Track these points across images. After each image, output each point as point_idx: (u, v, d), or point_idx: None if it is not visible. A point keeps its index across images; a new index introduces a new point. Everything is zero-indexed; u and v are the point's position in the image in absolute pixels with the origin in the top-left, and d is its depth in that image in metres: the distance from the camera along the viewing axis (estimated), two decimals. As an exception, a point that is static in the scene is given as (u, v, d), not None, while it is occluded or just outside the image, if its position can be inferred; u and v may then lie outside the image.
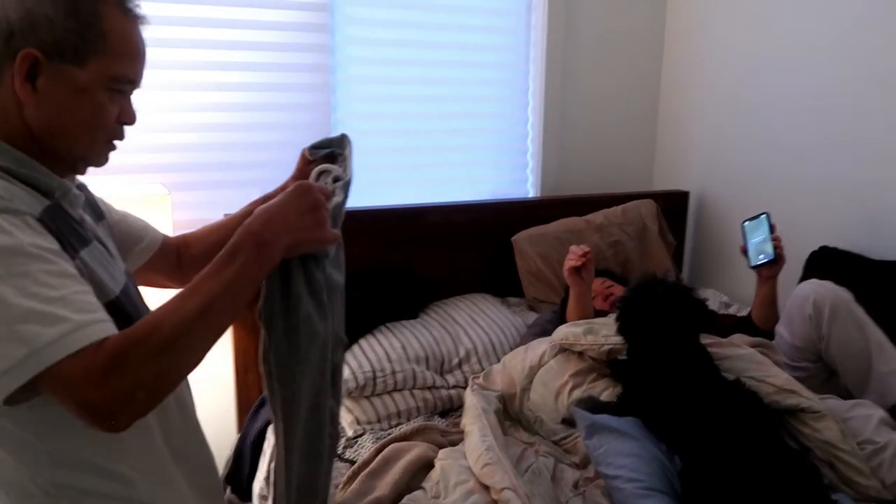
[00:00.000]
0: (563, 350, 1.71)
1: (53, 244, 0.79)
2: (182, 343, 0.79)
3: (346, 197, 1.05)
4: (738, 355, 1.57)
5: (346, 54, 2.27)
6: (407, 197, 2.41)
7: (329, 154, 1.15)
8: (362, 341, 1.92)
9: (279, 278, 0.93)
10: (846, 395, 1.67)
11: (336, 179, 1.05)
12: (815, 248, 2.16)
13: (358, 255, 2.19)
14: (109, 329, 0.78)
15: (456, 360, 1.97)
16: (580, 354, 1.69)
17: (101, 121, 0.88)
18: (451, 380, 1.94)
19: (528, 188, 2.67)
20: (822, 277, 1.82)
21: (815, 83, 2.21)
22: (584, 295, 1.86)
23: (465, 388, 1.89)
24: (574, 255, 1.83)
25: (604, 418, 1.46)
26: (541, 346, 1.75)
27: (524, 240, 2.35)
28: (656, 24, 2.75)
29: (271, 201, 0.90)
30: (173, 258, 1.18)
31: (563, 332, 1.71)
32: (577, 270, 1.83)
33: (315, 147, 1.17)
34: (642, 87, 2.79)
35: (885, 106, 2.01)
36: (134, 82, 0.91)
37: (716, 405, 1.37)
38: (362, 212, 2.22)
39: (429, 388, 1.89)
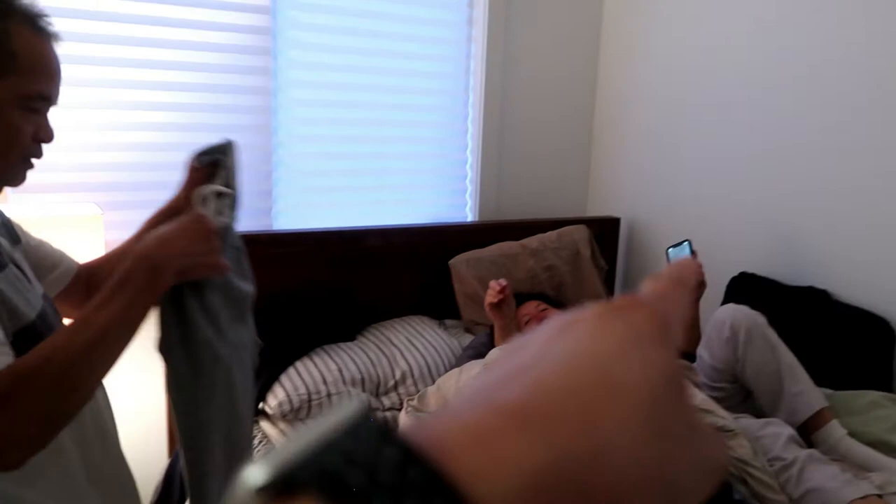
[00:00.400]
0: None
1: None
2: (74, 376, 0.78)
3: (233, 215, 1.05)
4: None
5: (288, 78, 2.29)
6: (347, 219, 2.43)
7: (214, 161, 1.11)
8: (298, 364, 1.93)
9: (172, 307, 0.93)
10: (760, 414, 1.77)
11: (220, 195, 1.04)
12: (736, 273, 2.28)
13: (297, 277, 2.22)
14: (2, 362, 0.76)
15: (392, 382, 2.00)
16: None
17: (14, 140, 0.87)
18: (386, 402, 1.96)
19: (466, 212, 2.73)
20: (739, 302, 1.93)
21: (735, 118, 2.35)
22: (507, 327, 1.92)
23: (400, 410, 1.92)
24: (493, 291, 1.89)
25: None
26: (474, 367, 1.79)
27: (461, 263, 2.40)
28: (591, 53, 2.87)
29: (163, 226, 0.90)
30: (83, 287, 1.16)
31: (495, 354, 1.76)
32: (496, 305, 1.89)
33: (202, 154, 1.13)
34: (577, 118, 2.90)
35: (799, 137, 2.15)
36: (49, 99, 0.90)
37: None
38: (302, 234, 2.23)
39: (364, 411, 1.90)
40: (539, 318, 2.18)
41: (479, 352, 2.03)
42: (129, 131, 2.05)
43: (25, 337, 0.82)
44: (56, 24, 0.92)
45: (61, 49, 0.91)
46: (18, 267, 0.93)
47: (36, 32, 0.87)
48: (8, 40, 0.83)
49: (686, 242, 2.01)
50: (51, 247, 1.12)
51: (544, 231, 2.59)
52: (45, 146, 0.92)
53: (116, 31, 1.99)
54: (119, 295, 0.83)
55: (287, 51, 2.28)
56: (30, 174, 0.93)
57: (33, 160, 0.92)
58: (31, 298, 0.91)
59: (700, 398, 1.57)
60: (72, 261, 1.14)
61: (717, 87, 2.41)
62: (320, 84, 2.36)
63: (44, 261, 1.08)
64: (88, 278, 1.15)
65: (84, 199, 1.98)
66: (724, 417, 1.52)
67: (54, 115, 0.93)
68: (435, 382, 1.87)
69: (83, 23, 1.93)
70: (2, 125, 0.85)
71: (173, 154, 2.13)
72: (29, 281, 0.95)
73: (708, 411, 1.52)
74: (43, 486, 0.88)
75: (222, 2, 2.13)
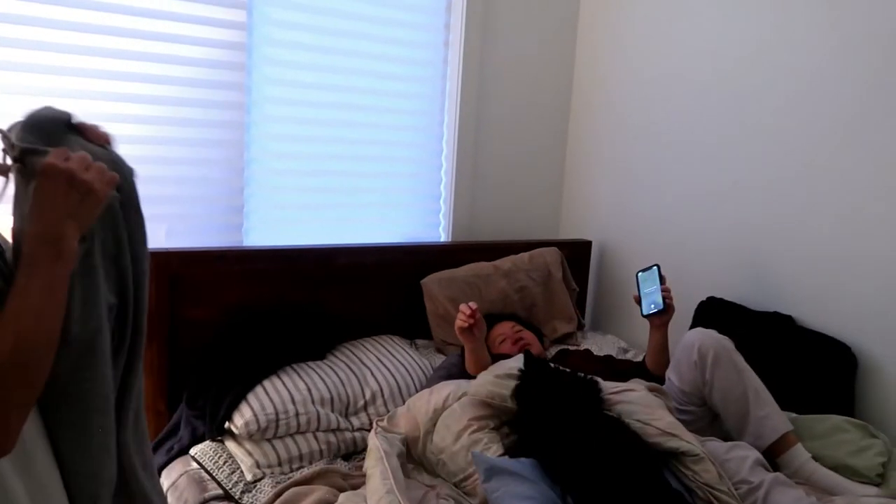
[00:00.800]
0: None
1: None
2: (22, 362, 0.80)
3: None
4: (629, 399, 1.65)
5: (263, 94, 2.28)
6: (319, 237, 2.41)
7: None
8: (266, 382, 1.89)
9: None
10: (727, 437, 1.79)
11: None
12: (704, 297, 2.32)
13: (267, 294, 2.19)
14: None
15: (361, 402, 1.97)
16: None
17: None
18: (355, 422, 1.93)
19: (439, 232, 2.74)
20: (707, 326, 1.95)
21: (705, 146, 2.40)
22: (478, 350, 1.91)
23: (369, 430, 1.89)
24: (463, 315, 1.88)
25: (502, 461, 1.50)
26: (445, 388, 1.78)
27: (433, 283, 2.40)
28: (565, 80, 2.92)
29: (33, 201, 0.86)
30: None
31: (485, 388, 1.69)
32: (467, 329, 1.88)
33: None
34: (551, 140, 2.94)
35: (768, 166, 2.20)
36: None
37: (604, 449, 1.44)
38: (273, 251, 2.21)
39: (333, 431, 1.87)
40: (514, 339, 2.18)
41: (449, 372, 2.02)
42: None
43: None
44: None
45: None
46: None
47: None
48: None
49: (655, 267, 2.03)
50: None
51: (516, 252, 2.60)
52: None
53: (86, 41, 1.96)
54: (31, 282, 0.83)
55: (262, 67, 2.27)
56: None
57: None
58: None
59: (667, 421, 1.57)
60: None
61: (689, 115, 2.46)
62: (294, 101, 2.35)
63: None
64: None
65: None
66: (689, 442, 1.52)
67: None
68: (405, 403, 1.85)
69: (50, 32, 1.90)
70: None
71: (144, 167, 2.09)
72: None
73: (673, 435, 1.53)
74: None
75: (198, 17, 2.12)
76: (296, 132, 2.37)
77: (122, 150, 1.98)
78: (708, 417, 1.87)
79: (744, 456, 1.57)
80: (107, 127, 2.03)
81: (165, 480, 1.76)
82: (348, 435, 1.89)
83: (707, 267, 2.41)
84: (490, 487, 1.46)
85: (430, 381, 2.04)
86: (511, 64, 2.76)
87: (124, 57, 2.02)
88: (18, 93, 1.83)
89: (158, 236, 2.14)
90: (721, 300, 2.29)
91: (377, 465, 1.56)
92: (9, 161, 0.91)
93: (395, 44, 2.52)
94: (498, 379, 1.68)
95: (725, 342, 1.84)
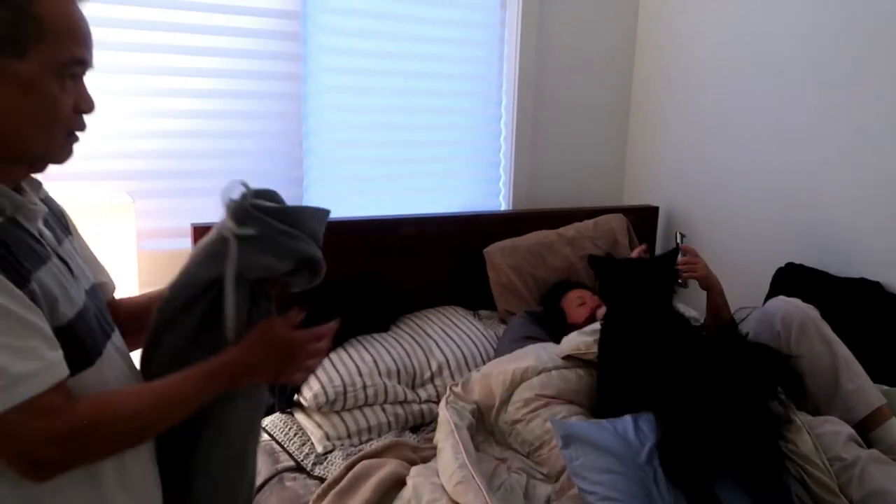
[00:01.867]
0: (567, 360, 1.75)
1: (7, 282, 0.75)
2: (141, 433, 0.89)
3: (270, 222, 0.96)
4: None
5: (319, 63, 2.24)
6: (378, 208, 2.38)
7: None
8: (332, 355, 1.89)
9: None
10: (812, 412, 1.70)
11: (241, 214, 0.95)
12: (782, 264, 2.20)
13: (329, 266, 2.16)
14: (61, 372, 0.78)
15: (428, 374, 1.95)
16: (567, 373, 1.71)
17: (55, 113, 0.82)
18: (422, 394, 1.91)
19: (500, 201, 2.67)
20: (788, 294, 1.85)
21: (781, 101, 2.25)
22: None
23: (436, 402, 1.87)
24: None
25: (582, 427, 1.46)
26: (525, 359, 1.75)
27: (496, 252, 2.35)
28: (627, 41, 2.79)
29: (246, 345, 0.96)
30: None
31: (574, 341, 1.74)
32: None
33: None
34: (613, 103, 2.82)
35: (846, 125, 2.06)
36: (84, 63, 0.84)
37: (699, 366, 1.41)
38: (333, 222, 2.17)
39: (400, 403, 1.86)
40: (593, 305, 2.09)
41: (518, 334, 2.01)
42: (160, 118, 2.02)
43: (61, 337, 0.79)
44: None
45: (88, 11, 0.85)
46: (63, 260, 0.89)
47: None
48: (30, 6, 0.77)
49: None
50: (94, 256, 1.07)
51: (580, 220, 2.52)
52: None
53: (147, 16, 1.95)
54: (206, 383, 0.92)
55: (317, 36, 2.23)
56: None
57: (77, 133, 0.87)
58: (72, 294, 0.86)
59: None
60: (112, 281, 1.10)
61: (761, 70, 2.31)
62: (351, 70, 2.31)
63: (89, 264, 1.03)
64: (114, 309, 1.07)
65: (115, 188, 1.96)
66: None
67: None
68: (480, 369, 1.82)
69: (111, 7, 1.90)
70: (40, 99, 0.80)
71: (205, 142, 2.09)
72: (74, 276, 0.90)
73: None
74: (70, 491, 0.84)
75: (253, -15, 2.08)
76: (353, 102, 2.33)
77: (181, 124, 1.94)
78: (792, 391, 1.78)
79: (836, 431, 1.49)
80: (167, 103, 2.01)
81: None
82: (416, 407, 1.87)
83: (784, 231, 2.28)
84: (569, 455, 1.41)
85: (500, 347, 2.02)
86: (572, 22, 2.64)
87: (180, 30, 2.00)
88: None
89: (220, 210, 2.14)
90: (801, 266, 2.16)
91: (448, 438, 1.53)
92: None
93: (452, 6, 2.43)
94: (583, 335, 1.71)
95: (810, 310, 1.74)
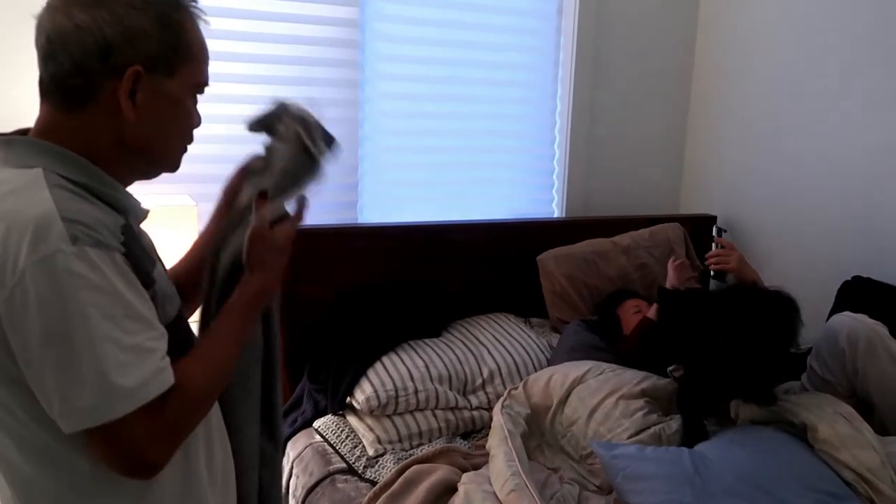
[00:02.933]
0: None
1: (135, 281, 0.80)
2: (214, 393, 0.92)
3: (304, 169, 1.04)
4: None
5: (375, 70, 2.27)
6: (432, 213, 2.39)
7: (267, 123, 1.13)
8: (385, 359, 1.90)
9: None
10: (881, 431, 1.63)
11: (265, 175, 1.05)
12: (848, 277, 2.11)
13: (381, 270, 2.20)
14: (169, 379, 0.81)
15: (479, 381, 1.95)
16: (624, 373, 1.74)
17: (189, 128, 0.92)
18: (474, 401, 1.91)
19: (553, 208, 2.65)
20: (852, 309, 1.77)
21: (846, 107, 2.17)
22: None
23: (487, 409, 1.87)
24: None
25: (620, 447, 1.45)
26: (584, 364, 1.75)
27: (549, 260, 2.33)
28: (686, 46, 2.73)
29: (255, 262, 0.96)
30: None
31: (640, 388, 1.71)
32: None
33: (253, 124, 1.14)
34: (671, 109, 2.77)
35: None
36: (207, 84, 0.94)
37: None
38: (387, 227, 2.21)
39: (451, 409, 1.86)
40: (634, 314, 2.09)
41: (578, 343, 2.01)
42: (221, 124, 2.07)
43: (172, 329, 0.86)
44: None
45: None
46: (160, 260, 0.97)
47: (196, 20, 0.89)
48: (182, 31, 0.85)
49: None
50: None
51: (635, 228, 2.48)
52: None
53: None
54: (244, 314, 0.96)
55: (374, 43, 2.26)
56: None
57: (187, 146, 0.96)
58: (172, 290, 0.94)
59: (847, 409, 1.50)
60: None
61: (826, 72, 2.23)
62: (406, 77, 2.33)
63: None
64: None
65: (178, 191, 2.02)
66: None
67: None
68: (545, 371, 1.83)
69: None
70: (184, 113, 0.90)
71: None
72: (166, 272, 0.99)
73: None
74: (168, 491, 0.88)
75: (313, -6, 2.12)
76: (408, 109, 2.35)
77: (242, 130, 1.98)
78: (858, 412, 1.71)
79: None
80: (229, 108, 2.06)
81: (291, 451, 1.81)
82: (467, 414, 1.87)
83: (850, 242, 2.19)
84: (612, 472, 1.41)
85: (556, 356, 2.01)
86: (629, 25, 2.61)
87: (242, 39, 2.06)
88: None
89: (278, 214, 2.18)
90: (868, 280, 2.08)
91: (501, 445, 1.53)
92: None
93: (507, 13, 2.43)
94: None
95: (879, 328, 1.67)
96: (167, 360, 0.81)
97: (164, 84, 0.84)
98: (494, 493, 1.41)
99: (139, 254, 0.84)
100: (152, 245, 0.97)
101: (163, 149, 0.90)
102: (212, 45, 1.85)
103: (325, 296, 2.09)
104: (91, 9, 0.78)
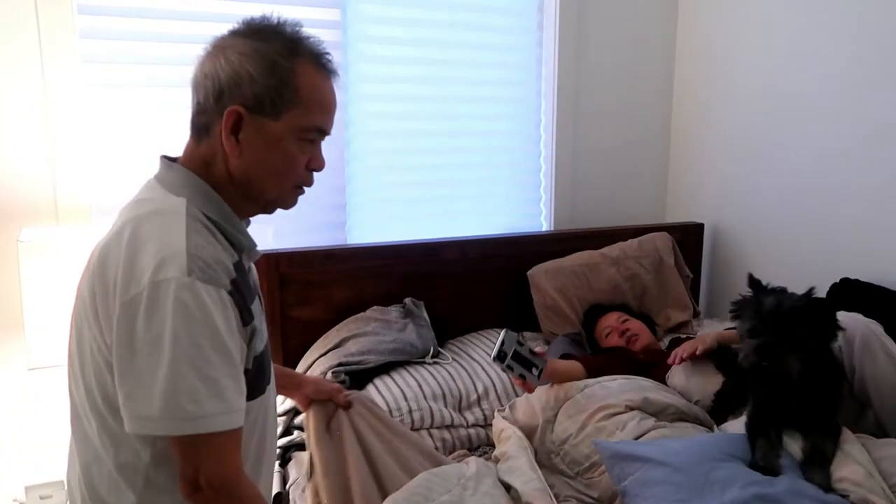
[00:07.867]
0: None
1: (231, 319, 0.89)
2: None
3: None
4: None
5: (359, 91, 2.28)
6: (420, 232, 2.39)
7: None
8: (377, 381, 1.88)
9: None
10: (878, 429, 1.62)
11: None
12: (836, 279, 2.13)
13: (372, 291, 2.19)
14: (237, 422, 0.89)
15: (474, 397, 1.93)
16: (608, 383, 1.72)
17: (291, 169, 0.98)
18: (470, 417, 1.89)
19: (541, 221, 2.66)
20: (844, 310, 1.78)
21: (828, 111, 2.20)
22: (564, 375, 1.79)
23: (483, 426, 1.86)
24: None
25: (627, 445, 1.43)
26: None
27: (540, 274, 2.33)
28: (667, 56, 2.77)
29: None
30: None
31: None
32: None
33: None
34: (654, 118, 2.79)
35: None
36: (323, 131, 1.00)
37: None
38: (376, 247, 2.20)
39: (447, 427, 1.83)
40: (620, 330, 2.09)
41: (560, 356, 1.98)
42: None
43: (259, 363, 0.95)
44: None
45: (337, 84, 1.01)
46: (259, 295, 1.06)
47: (318, 70, 0.96)
48: (292, 77, 0.93)
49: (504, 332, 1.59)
50: None
51: (623, 239, 2.49)
52: (315, 175, 1.03)
53: (189, 30, 2.00)
54: None
55: (357, 64, 2.26)
56: None
57: (304, 187, 1.03)
58: (264, 327, 1.03)
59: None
60: None
61: (807, 77, 2.26)
62: (391, 96, 2.33)
63: None
64: None
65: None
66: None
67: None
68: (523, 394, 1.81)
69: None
70: (282, 155, 0.96)
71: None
72: (263, 308, 1.08)
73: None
74: None
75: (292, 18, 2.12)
76: (393, 127, 2.35)
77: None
78: (853, 410, 1.71)
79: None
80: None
81: (292, 473, 1.77)
82: (463, 431, 1.85)
83: (838, 245, 2.21)
84: (618, 475, 1.38)
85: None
86: (610, 37, 2.64)
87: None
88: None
89: (266, 238, 2.16)
90: (856, 281, 2.09)
91: (522, 453, 1.54)
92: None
93: (490, 30, 2.45)
94: None
95: (873, 326, 1.67)
96: (242, 402, 0.89)
97: (266, 125, 0.93)
98: (503, 485, 1.41)
99: (244, 291, 0.93)
100: (257, 282, 1.07)
101: (261, 184, 0.97)
102: (181, 48, 1.89)
103: (316, 317, 2.07)
104: (215, 58, 0.94)
